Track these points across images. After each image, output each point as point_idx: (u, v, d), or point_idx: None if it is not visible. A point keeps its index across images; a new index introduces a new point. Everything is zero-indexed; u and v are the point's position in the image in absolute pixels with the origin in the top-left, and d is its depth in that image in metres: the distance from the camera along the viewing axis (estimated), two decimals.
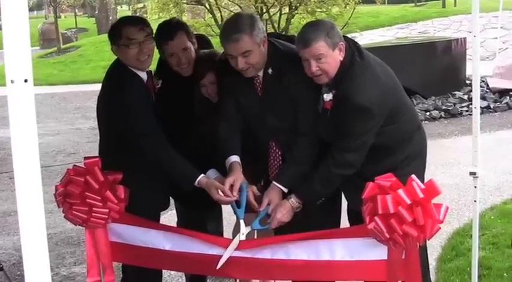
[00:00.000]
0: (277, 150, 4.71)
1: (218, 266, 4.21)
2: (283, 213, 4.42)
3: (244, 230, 4.35)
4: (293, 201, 4.43)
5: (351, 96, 4.19)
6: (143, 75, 4.67)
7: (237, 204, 4.45)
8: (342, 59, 4.26)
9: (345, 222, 4.84)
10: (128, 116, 4.48)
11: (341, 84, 4.25)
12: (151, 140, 4.49)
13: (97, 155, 4.49)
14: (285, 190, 4.49)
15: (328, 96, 4.30)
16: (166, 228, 4.60)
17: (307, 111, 4.46)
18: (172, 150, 4.50)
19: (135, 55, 4.54)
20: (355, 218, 4.32)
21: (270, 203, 4.45)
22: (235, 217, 5.19)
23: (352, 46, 4.36)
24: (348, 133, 4.27)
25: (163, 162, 4.53)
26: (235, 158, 4.52)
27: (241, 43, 4.27)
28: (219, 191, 4.38)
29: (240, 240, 4.28)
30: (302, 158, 4.51)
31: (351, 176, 4.38)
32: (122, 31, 4.54)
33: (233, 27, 4.33)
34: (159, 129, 4.52)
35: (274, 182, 4.52)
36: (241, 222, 4.39)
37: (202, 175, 4.46)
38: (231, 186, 4.38)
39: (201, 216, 5.13)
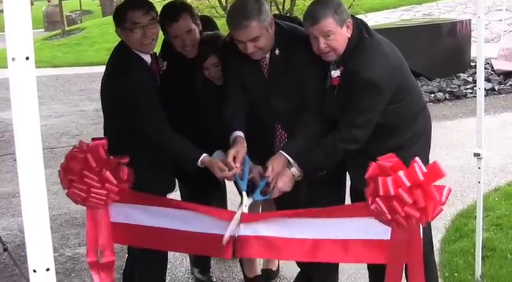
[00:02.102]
0: (282, 132, 4.73)
1: (224, 242, 4.21)
2: (285, 181, 4.41)
3: (246, 201, 4.36)
4: (294, 170, 4.42)
5: (359, 71, 4.19)
6: (147, 58, 4.67)
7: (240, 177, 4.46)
8: (349, 36, 4.26)
9: (348, 202, 4.85)
10: (131, 99, 4.48)
11: (350, 60, 4.25)
12: (154, 123, 4.50)
13: (105, 136, 4.47)
14: (292, 161, 4.46)
15: (335, 73, 4.30)
16: (170, 203, 4.61)
17: (314, 89, 4.47)
18: (174, 132, 4.52)
19: (138, 39, 4.54)
20: (358, 197, 4.32)
21: (272, 171, 4.44)
22: (239, 198, 5.21)
23: (359, 24, 4.36)
24: (355, 108, 4.27)
25: (165, 144, 4.55)
26: (239, 133, 4.53)
27: (250, 29, 4.27)
28: (222, 166, 4.38)
29: (242, 213, 4.27)
30: (311, 132, 4.50)
31: (357, 155, 4.38)
32: (126, 14, 4.53)
33: (241, 13, 4.31)
34: (162, 112, 4.53)
35: (280, 151, 4.50)
36: (244, 193, 4.39)
37: (204, 154, 4.47)
38: (234, 158, 4.38)
39: (204, 197, 5.15)
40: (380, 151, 3.95)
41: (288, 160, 4.45)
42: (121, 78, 4.54)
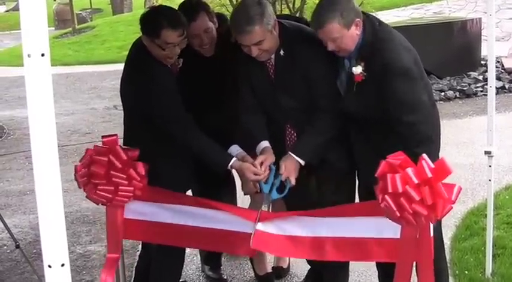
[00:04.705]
0: (292, 132, 4.74)
1: (252, 245, 4.27)
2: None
3: (267, 202, 4.50)
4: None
5: (390, 62, 4.19)
6: None
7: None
8: (359, 33, 4.25)
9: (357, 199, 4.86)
10: (156, 104, 4.49)
11: (371, 54, 4.24)
12: (182, 127, 4.53)
13: (115, 133, 4.47)
14: (302, 162, 4.52)
15: (357, 69, 4.27)
16: (187, 200, 4.65)
17: (322, 87, 4.48)
18: (203, 136, 4.55)
19: (166, 55, 4.54)
20: (366, 194, 4.34)
21: (285, 169, 4.50)
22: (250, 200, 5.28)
23: (371, 17, 4.37)
24: (398, 100, 4.24)
25: (195, 149, 4.60)
26: (266, 144, 4.63)
27: (253, 34, 4.29)
28: (256, 170, 4.50)
29: (261, 211, 4.39)
30: (321, 128, 4.54)
31: (368, 151, 4.38)
32: (161, 32, 4.44)
33: (243, 18, 4.32)
34: (188, 115, 4.56)
35: (289, 153, 4.56)
36: (265, 195, 4.52)
37: (234, 159, 4.53)
38: (262, 163, 4.49)
39: (215, 193, 5.16)
40: (391, 147, 3.94)
41: (300, 162, 4.54)
42: (144, 81, 4.54)
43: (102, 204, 4.49)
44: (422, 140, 4.25)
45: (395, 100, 4.22)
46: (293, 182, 4.49)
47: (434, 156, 4.14)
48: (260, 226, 4.27)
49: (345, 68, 4.39)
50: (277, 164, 4.62)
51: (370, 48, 4.25)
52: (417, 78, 4.26)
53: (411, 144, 4.14)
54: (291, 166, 4.51)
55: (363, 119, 4.41)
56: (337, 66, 4.44)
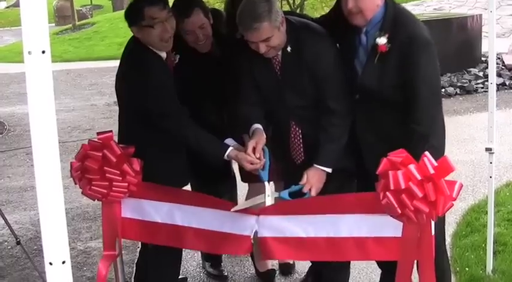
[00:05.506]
0: (297, 129, 4.70)
1: (232, 210, 4.26)
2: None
3: (269, 192, 4.38)
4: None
5: (415, 34, 4.22)
6: (163, 54, 4.64)
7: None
8: (380, 4, 4.22)
9: None
10: (152, 98, 4.47)
11: (396, 27, 4.22)
12: (177, 121, 4.49)
13: (110, 129, 4.46)
14: (329, 170, 4.48)
15: (382, 40, 4.21)
16: (184, 196, 4.63)
17: (331, 87, 4.44)
18: (198, 128, 4.51)
19: (159, 34, 4.49)
20: (364, 185, 4.35)
21: (307, 180, 4.43)
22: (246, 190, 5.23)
23: None
24: (424, 77, 4.21)
25: (191, 141, 4.55)
26: (257, 125, 4.55)
27: (261, 31, 4.25)
28: (253, 160, 4.39)
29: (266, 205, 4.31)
30: (336, 134, 4.49)
31: (374, 140, 4.36)
32: (143, 11, 4.44)
33: (251, 15, 4.26)
34: (183, 108, 4.54)
35: (315, 165, 4.48)
36: (266, 184, 4.41)
37: (230, 148, 4.46)
38: (254, 148, 4.39)
39: (215, 190, 5.16)
40: (398, 136, 3.92)
41: (326, 171, 4.49)
42: (141, 77, 4.51)
43: (98, 200, 4.48)
44: (431, 121, 4.28)
45: (417, 72, 4.20)
46: (313, 193, 4.43)
47: (440, 141, 4.19)
48: (260, 230, 4.23)
49: (363, 44, 4.37)
50: (279, 161, 4.60)
51: (393, 22, 4.22)
52: (435, 54, 4.27)
53: (420, 124, 4.18)
54: (314, 177, 4.45)
55: (377, 97, 4.37)
56: (347, 58, 4.41)
